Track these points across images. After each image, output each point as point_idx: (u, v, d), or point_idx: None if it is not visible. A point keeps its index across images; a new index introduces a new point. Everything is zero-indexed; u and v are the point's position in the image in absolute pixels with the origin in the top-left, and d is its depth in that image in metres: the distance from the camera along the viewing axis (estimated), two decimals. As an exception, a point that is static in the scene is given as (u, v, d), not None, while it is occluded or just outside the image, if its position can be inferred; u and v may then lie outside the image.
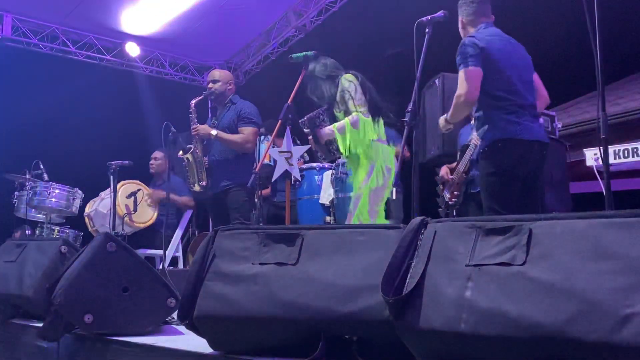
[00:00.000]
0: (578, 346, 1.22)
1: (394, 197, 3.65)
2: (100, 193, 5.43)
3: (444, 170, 4.35)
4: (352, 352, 1.69)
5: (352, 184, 3.79)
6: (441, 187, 4.44)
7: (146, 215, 5.36)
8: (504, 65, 3.10)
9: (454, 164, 4.29)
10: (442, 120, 3.44)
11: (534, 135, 3.11)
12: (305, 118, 3.78)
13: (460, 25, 3.35)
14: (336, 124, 3.65)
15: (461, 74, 3.09)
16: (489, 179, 3.12)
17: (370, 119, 3.55)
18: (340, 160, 4.28)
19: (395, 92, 3.78)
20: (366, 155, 3.56)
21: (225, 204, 4.35)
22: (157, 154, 5.77)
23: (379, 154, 3.52)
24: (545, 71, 3.52)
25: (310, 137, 3.73)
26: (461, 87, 3.09)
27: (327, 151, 3.76)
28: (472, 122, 4.28)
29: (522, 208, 2.97)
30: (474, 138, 3.60)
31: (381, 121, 3.63)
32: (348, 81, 3.63)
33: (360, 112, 3.56)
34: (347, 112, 3.63)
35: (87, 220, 5.42)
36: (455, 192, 4.14)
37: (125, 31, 7.49)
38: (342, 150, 3.61)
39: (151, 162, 5.81)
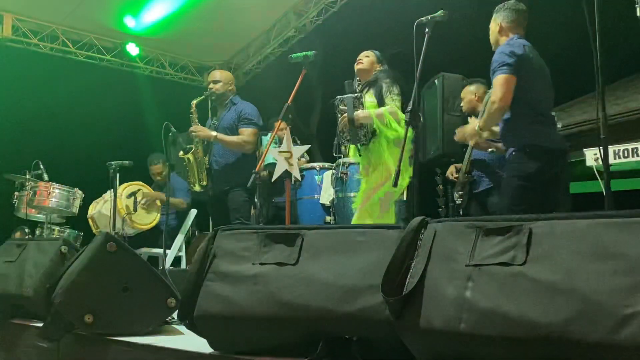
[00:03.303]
0: (578, 346, 1.21)
1: (404, 197, 3.66)
2: (104, 194, 5.42)
3: (449, 171, 4.36)
4: (352, 352, 1.69)
5: (361, 180, 3.80)
6: (441, 187, 4.45)
7: (148, 217, 5.36)
8: (534, 76, 3.15)
9: (461, 164, 4.30)
10: (471, 129, 3.43)
11: (557, 144, 3.21)
12: (345, 97, 3.78)
13: (497, 29, 3.34)
14: (373, 110, 3.68)
15: (496, 80, 3.11)
16: (514, 182, 3.19)
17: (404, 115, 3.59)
18: (340, 160, 4.28)
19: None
20: (392, 156, 3.59)
21: (225, 204, 4.36)
22: (158, 167, 5.72)
23: (396, 159, 3.55)
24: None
25: (345, 115, 3.73)
26: (496, 94, 3.11)
27: (356, 134, 3.74)
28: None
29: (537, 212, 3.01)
30: (470, 136, 3.60)
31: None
32: (390, 79, 3.74)
33: (397, 106, 3.63)
34: (381, 103, 3.68)
35: (90, 221, 5.42)
36: (460, 192, 4.16)
37: (125, 31, 7.49)
38: (385, 131, 3.64)
39: (156, 177, 5.76)
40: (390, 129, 3.63)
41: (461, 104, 4.43)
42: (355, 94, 3.80)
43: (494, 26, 3.38)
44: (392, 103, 3.68)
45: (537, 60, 3.23)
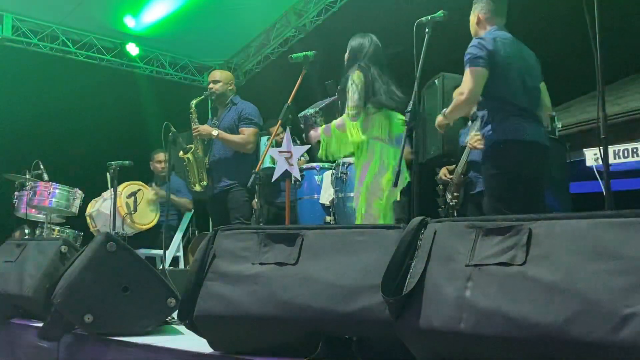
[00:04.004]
0: (578, 346, 1.21)
1: (398, 198, 3.64)
2: (103, 193, 5.42)
3: (442, 172, 4.37)
4: (352, 352, 1.69)
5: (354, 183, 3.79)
6: (441, 187, 4.46)
7: (148, 217, 5.36)
8: (508, 70, 3.09)
9: (453, 165, 4.31)
10: (439, 117, 3.38)
11: (534, 137, 3.11)
12: (302, 115, 3.77)
13: (475, 21, 3.29)
14: (324, 126, 3.65)
15: (467, 72, 3.07)
16: (492, 180, 3.14)
17: (358, 122, 3.48)
18: (340, 160, 4.28)
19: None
20: (360, 154, 3.55)
21: (225, 204, 4.36)
22: (161, 155, 5.74)
23: (375, 153, 3.50)
24: (546, 71, 3.52)
25: (303, 135, 3.73)
26: (465, 86, 3.07)
27: (317, 150, 3.75)
28: (470, 123, 4.30)
29: (525, 209, 2.96)
30: (470, 139, 3.61)
31: (393, 120, 3.56)
32: (352, 80, 3.51)
33: (351, 114, 3.48)
34: (343, 111, 3.62)
35: (88, 220, 5.42)
36: (455, 193, 4.16)
37: (125, 31, 7.49)
38: (320, 153, 3.60)
39: (157, 165, 5.78)
40: (335, 141, 3.53)
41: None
42: (311, 111, 3.74)
43: (472, 18, 3.32)
44: (347, 111, 3.49)
45: (513, 52, 3.15)
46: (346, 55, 3.68)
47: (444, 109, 3.33)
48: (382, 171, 3.42)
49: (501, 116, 3.10)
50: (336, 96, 3.74)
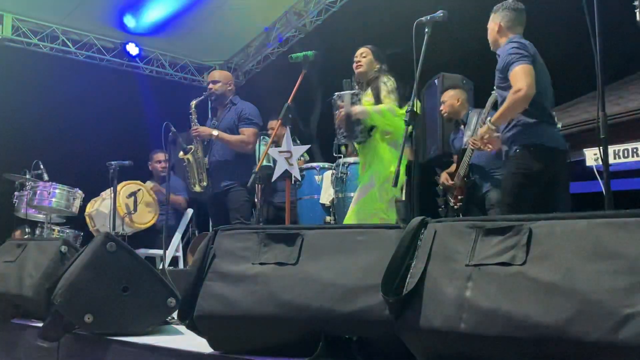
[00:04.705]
0: (578, 346, 1.22)
1: (402, 197, 3.65)
2: (102, 193, 5.42)
3: (443, 177, 4.36)
4: (352, 352, 1.69)
5: (359, 176, 3.79)
6: (441, 188, 4.45)
7: (147, 217, 5.36)
8: (540, 76, 3.13)
9: (453, 168, 4.30)
10: (484, 129, 3.33)
11: (559, 144, 3.20)
12: (343, 93, 3.76)
13: (496, 29, 3.32)
14: (371, 107, 3.67)
15: (520, 69, 3.05)
16: (514, 178, 3.18)
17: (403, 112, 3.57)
18: (341, 160, 4.29)
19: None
20: (388, 155, 3.57)
21: (225, 204, 4.36)
22: (160, 155, 5.74)
23: (393, 158, 3.53)
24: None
25: (342, 111, 3.69)
26: (521, 82, 3.02)
27: (352, 130, 3.71)
28: (463, 127, 4.30)
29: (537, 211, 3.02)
30: (477, 139, 3.60)
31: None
32: (388, 78, 3.73)
33: (395, 105, 3.63)
34: (377, 101, 3.67)
35: (88, 219, 5.42)
36: (459, 197, 4.15)
37: (125, 31, 7.49)
38: (382, 127, 3.63)
39: (156, 165, 5.78)
40: (385, 119, 3.61)
41: (441, 108, 4.42)
42: (354, 91, 3.78)
43: (492, 25, 3.35)
44: (389, 102, 3.66)
45: (539, 59, 3.22)
46: (370, 57, 3.82)
47: (486, 119, 3.32)
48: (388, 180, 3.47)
49: (532, 120, 3.13)
50: (357, 90, 3.79)
